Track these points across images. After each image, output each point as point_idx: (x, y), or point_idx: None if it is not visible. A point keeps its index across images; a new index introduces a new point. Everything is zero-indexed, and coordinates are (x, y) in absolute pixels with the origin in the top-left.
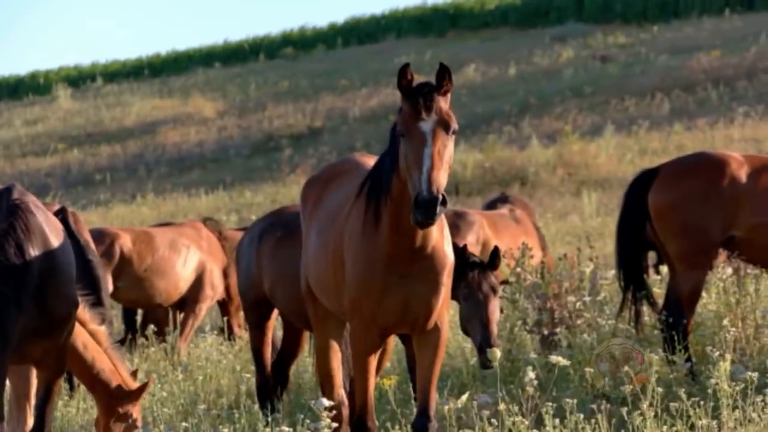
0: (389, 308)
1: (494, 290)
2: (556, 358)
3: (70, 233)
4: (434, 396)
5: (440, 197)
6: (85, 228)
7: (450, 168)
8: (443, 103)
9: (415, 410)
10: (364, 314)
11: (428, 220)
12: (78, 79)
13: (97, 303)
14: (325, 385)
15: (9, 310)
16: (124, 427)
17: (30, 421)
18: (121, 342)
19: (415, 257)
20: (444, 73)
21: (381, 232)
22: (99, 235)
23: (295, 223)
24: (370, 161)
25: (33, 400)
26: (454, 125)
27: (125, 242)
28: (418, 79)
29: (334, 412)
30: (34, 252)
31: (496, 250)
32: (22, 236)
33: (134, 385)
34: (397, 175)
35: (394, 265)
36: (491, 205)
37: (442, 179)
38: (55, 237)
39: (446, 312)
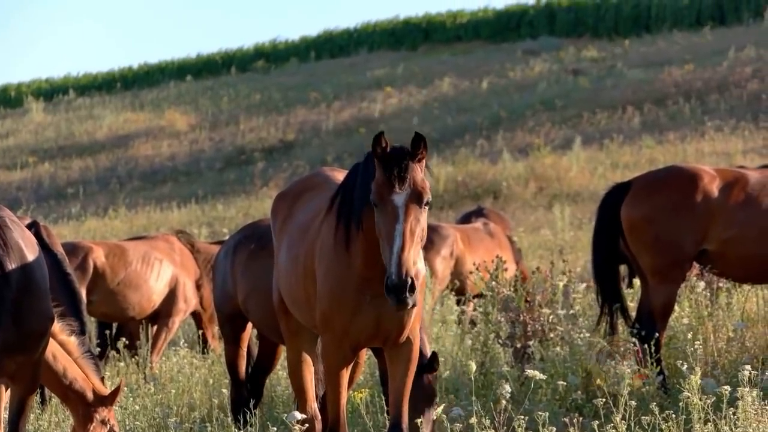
0: (361, 325)
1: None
2: (532, 372)
3: (44, 246)
4: (406, 409)
5: (409, 281)
6: (58, 242)
7: (423, 240)
8: (417, 172)
9: (387, 423)
10: (335, 329)
11: (401, 304)
12: (50, 91)
13: (76, 317)
14: (299, 399)
15: None
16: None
17: None
18: (99, 356)
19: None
20: (419, 141)
21: (352, 256)
22: (72, 249)
23: (269, 236)
24: (340, 175)
25: (4, 415)
26: (428, 197)
27: (98, 256)
28: (393, 102)
29: (307, 425)
30: (11, 266)
31: (434, 355)
32: (0, 252)
33: (107, 391)
34: (369, 208)
35: (366, 286)
36: (466, 218)
37: (411, 259)
38: (31, 252)
39: (418, 325)
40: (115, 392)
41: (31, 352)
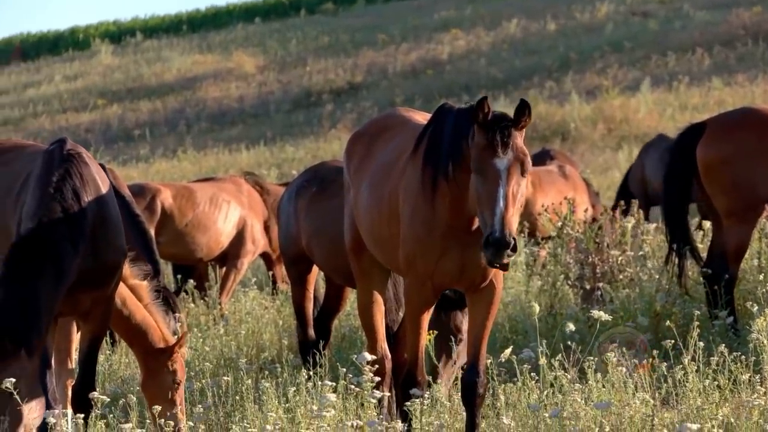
0: (445, 270)
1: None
2: (597, 313)
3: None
4: (484, 352)
5: (512, 241)
6: (125, 184)
7: (521, 207)
8: (519, 139)
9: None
10: (419, 272)
11: (499, 261)
12: (118, 34)
13: (149, 258)
14: (369, 339)
15: (67, 249)
16: (166, 382)
17: (70, 378)
18: (176, 293)
19: (472, 228)
20: (524, 108)
21: (438, 206)
22: (140, 190)
23: (331, 178)
24: (417, 116)
25: (74, 356)
26: (529, 165)
27: (166, 197)
28: (460, 44)
29: (377, 366)
30: (88, 199)
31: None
32: (78, 182)
33: (173, 339)
34: (457, 164)
35: (451, 234)
36: (533, 161)
37: (514, 222)
38: (106, 188)
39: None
40: (179, 341)
41: (105, 287)
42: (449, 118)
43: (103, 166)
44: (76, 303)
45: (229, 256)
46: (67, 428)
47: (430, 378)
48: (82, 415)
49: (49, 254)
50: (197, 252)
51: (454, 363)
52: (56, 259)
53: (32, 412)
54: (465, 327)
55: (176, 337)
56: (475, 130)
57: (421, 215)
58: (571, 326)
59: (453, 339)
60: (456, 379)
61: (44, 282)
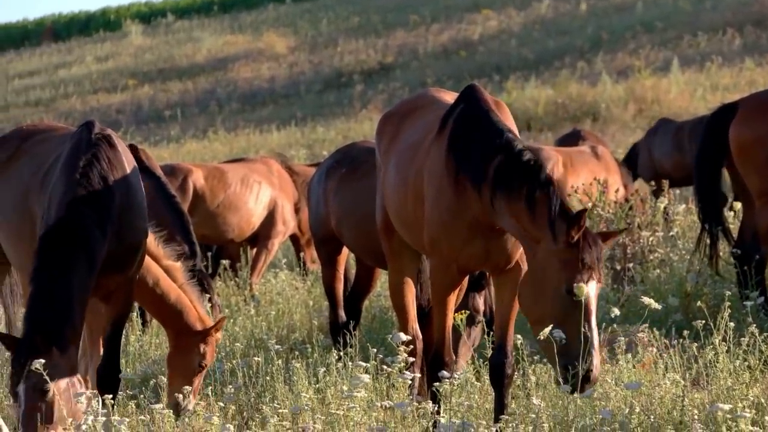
0: (469, 254)
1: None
2: (648, 300)
3: (144, 170)
4: (512, 333)
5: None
6: (157, 165)
7: None
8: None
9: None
10: (443, 254)
11: (583, 392)
12: (149, 15)
13: (185, 238)
14: (400, 320)
15: (96, 235)
16: (192, 362)
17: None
18: (211, 275)
19: (497, 228)
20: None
21: (463, 196)
22: (172, 171)
23: (361, 159)
24: (447, 96)
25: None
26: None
27: (198, 178)
28: (492, 24)
29: (411, 346)
30: (115, 183)
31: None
32: (105, 166)
33: (209, 321)
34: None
35: (476, 224)
36: (564, 141)
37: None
38: (132, 171)
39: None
40: (217, 325)
41: (128, 269)
42: (475, 111)
43: (135, 147)
44: (100, 286)
45: (260, 237)
46: (97, 409)
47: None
48: (110, 396)
49: (79, 243)
50: (228, 233)
51: (473, 345)
52: (86, 247)
53: (76, 409)
54: (482, 308)
55: (213, 320)
56: (564, 249)
57: (446, 200)
58: (616, 311)
59: (472, 321)
60: (484, 360)
61: (76, 272)
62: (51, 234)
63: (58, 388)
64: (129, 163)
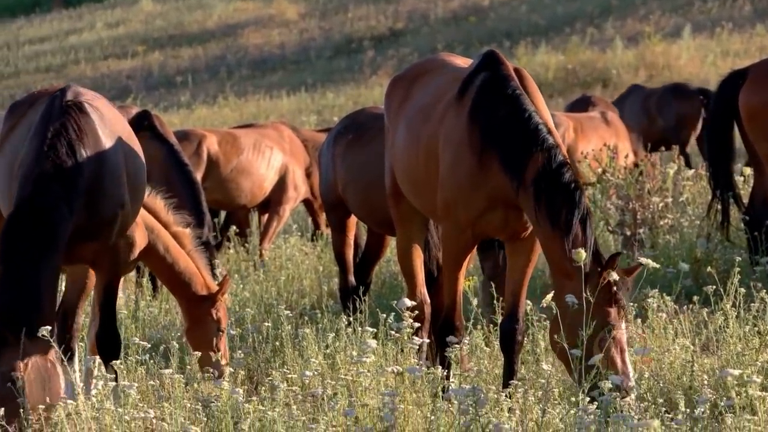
0: (488, 221)
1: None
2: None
3: (158, 137)
4: (524, 300)
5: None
6: (171, 131)
7: None
8: None
9: (499, 311)
10: (459, 219)
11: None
12: None
13: (195, 208)
14: (408, 285)
15: (62, 212)
16: (210, 330)
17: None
18: (218, 246)
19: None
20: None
21: (486, 165)
22: (185, 136)
23: (368, 125)
24: (458, 60)
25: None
26: None
27: (212, 143)
28: None
29: (417, 312)
30: (85, 153)
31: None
32: (74, 137)
33: (215, 288)
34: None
35: (496, 193)
36: (574, 107)
37: None
38: (108, 138)
39: None
40: (222, 286)
41: (105, 239)
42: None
43: (148, 114)
44: (77, 255)
45: (272, 203)
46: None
47: (470, 324)
48: (117, 362)
49: (45, 225)
50: (241, 198)
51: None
52: (52, 227)
53: (54, 393)
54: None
55: (218, 284)
56: (592, 283)
57: (466, 168)
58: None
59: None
60: (495, 325)
61: (43, 256)
62: (15, 217)
63: (28, 376)
64: (105, 131)
